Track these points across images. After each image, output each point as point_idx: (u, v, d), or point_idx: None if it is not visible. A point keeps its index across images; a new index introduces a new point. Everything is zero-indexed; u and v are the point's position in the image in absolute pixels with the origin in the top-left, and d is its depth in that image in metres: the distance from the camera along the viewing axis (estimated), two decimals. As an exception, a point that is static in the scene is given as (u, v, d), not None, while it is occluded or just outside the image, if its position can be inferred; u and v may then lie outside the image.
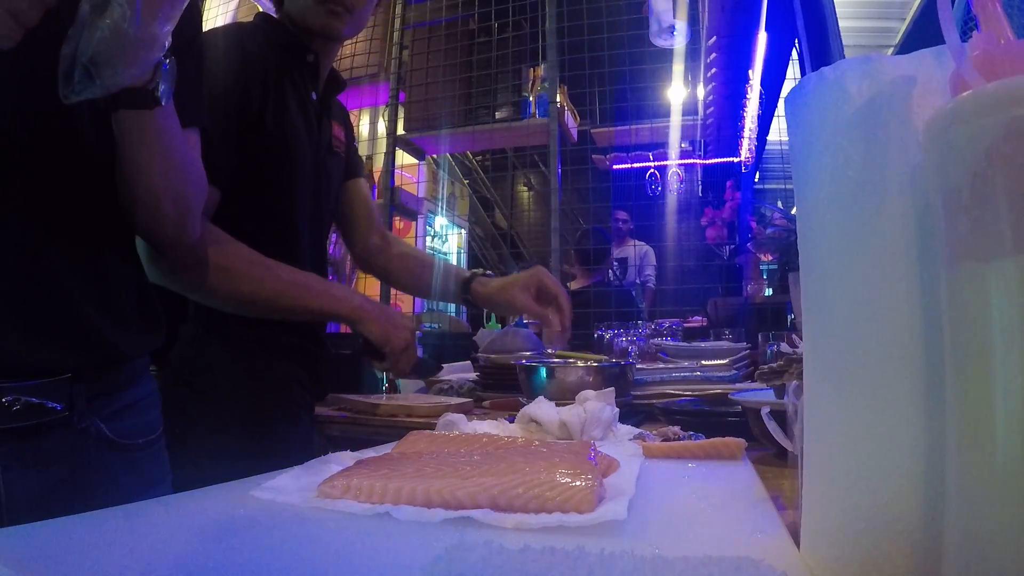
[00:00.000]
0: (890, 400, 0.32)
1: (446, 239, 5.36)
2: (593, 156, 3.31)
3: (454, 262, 5.23)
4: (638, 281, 3.22)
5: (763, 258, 2.72)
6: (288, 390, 1.08)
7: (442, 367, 1.26)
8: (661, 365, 1.39)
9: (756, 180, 3.92)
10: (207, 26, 1.20)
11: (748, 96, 3.30)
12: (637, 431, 0.79)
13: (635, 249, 3.43)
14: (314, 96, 1.10)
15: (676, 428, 0.79)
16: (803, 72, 2.59)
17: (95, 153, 0.69)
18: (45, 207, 0.66)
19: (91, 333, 0.68)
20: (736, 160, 3.55)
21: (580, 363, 1.21)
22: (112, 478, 0.72)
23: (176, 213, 0.74)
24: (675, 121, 3.35)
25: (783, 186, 3.82)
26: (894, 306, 0.32)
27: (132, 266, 0.76)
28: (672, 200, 3.55)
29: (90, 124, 0.68)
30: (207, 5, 3.65)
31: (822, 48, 2.30)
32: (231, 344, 1.02)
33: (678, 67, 3.28)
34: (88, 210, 0.70)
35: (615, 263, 3.28)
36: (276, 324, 1.04)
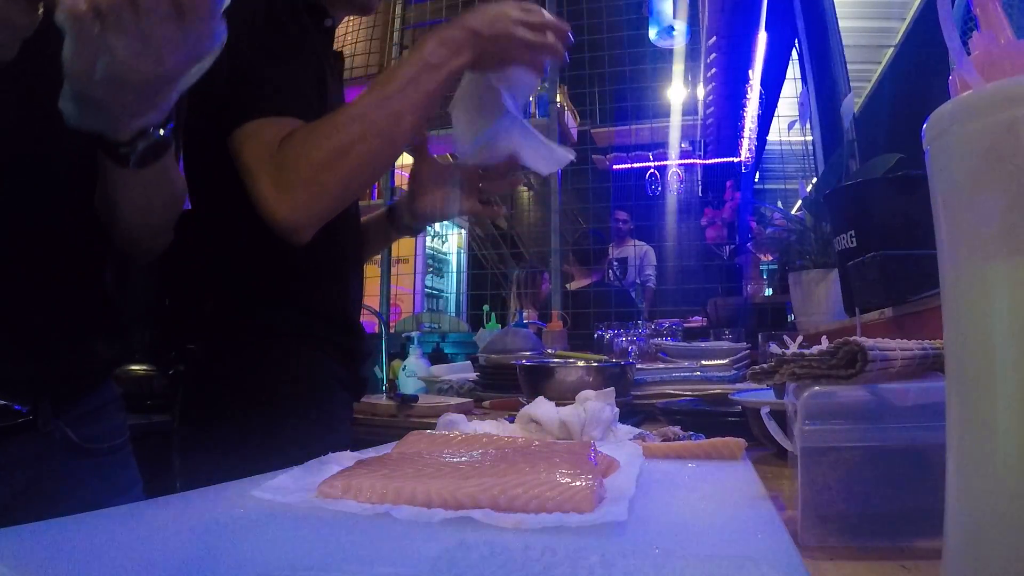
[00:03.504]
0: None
1: (446, 239, 5.36)
2: (593, 156, 3.32)
3: (454, 262, 5.23)
4: (638, 281, 3.22)
5: (763, 258, 2.72)
6: (325, 387, 0.97)
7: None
8: (661, 365, 1.39)
9: (756, 180, 3.92)
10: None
11: (748, 96, 3.30)
12: (637, 431, 0.79)
13: (635, 249, 3.43)
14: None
15: (676, 428, 0.79)
16: (803, 72, 2.59)
17: (74, 175, 0.67)
18: (12, 222, 0.64)
19: (52, 348, 0.67)
20: (736, 160, 3.55)
21: (580, 363, 1.21)
22: (79, 485, 0.70)
23: (149, 235, 0.75)
24: (675, 121, 3.36)
25: (783, 186, 3.81)
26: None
27: (98, 284, 0.74)
28: (672, 200, 3.55)
29: (75, 145, 0.65)
30: None
31: (822, 48, 2.30)
32: (259, 341, 0.93)
33: (678, 67, 3.28)
34: (55, 224, 0.68)
35: (615, 263, 3.28)
36: (311, 316, 0.95)
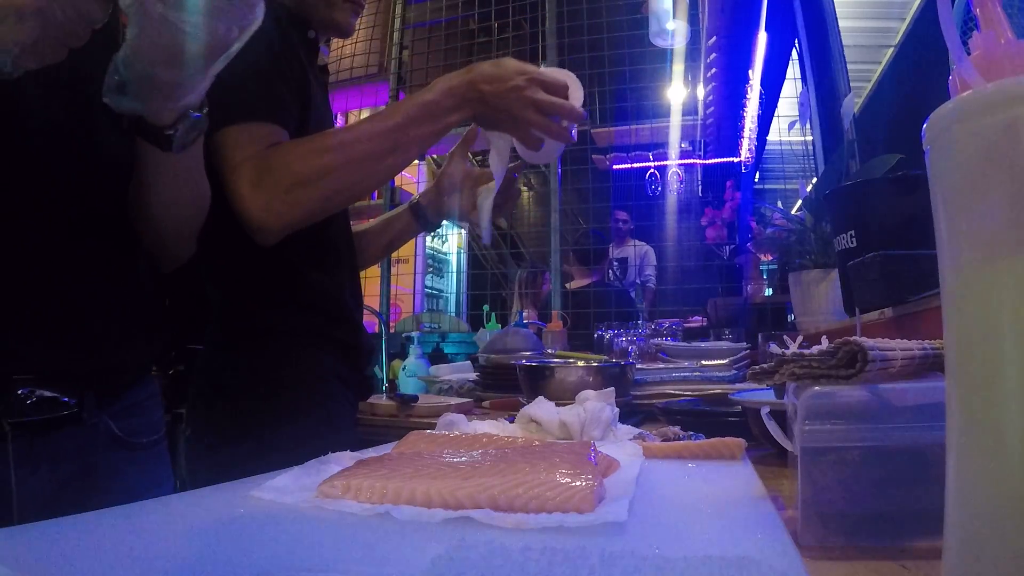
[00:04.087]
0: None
1: (446, 239, 5.35)
2: (593, 156, 3.32)
3: (454, 262, 5.22)
4: (638, 281, 3.22)
5: (763, 258, 2.72)
6: (327, 386, 0.98)
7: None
8: (661, 365, 1.39)
9: (756, 180, 3.91)
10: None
11: (748, 96, 3.30)
12: (637, 431, 0.79)
13: (635, 249, 3.43)
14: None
15: (676, 428, 0.79)
16: (803, 72, 2.59)
17: (113, 169, 0.70)
18: (61, 220, 0.67)
19: (97, 343, 0.69)
20: (736, 160, 3.55)
21: (580, 363, 1.21)
22: (120, 477, 0.72)
23: (175, 234, 0.77)
24: (675, 121, 3.35)
25: (783, 186, 3.81)
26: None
27: (136, 281, 0.76)
28: (672, 200, 3.55)
29: (114, 138, 0.68)
30: None
31: (822, 48, 2.30)
32: (260, 341, 0.94)
33: (678, 67, 3.28)
34: (100, 226, 0.70)
35: (615, 263, 3.28)
36: (310, 314, 0.97)
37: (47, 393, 0.64)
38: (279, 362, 0.95)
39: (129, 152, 0.69)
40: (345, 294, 1.04)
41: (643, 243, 3.52)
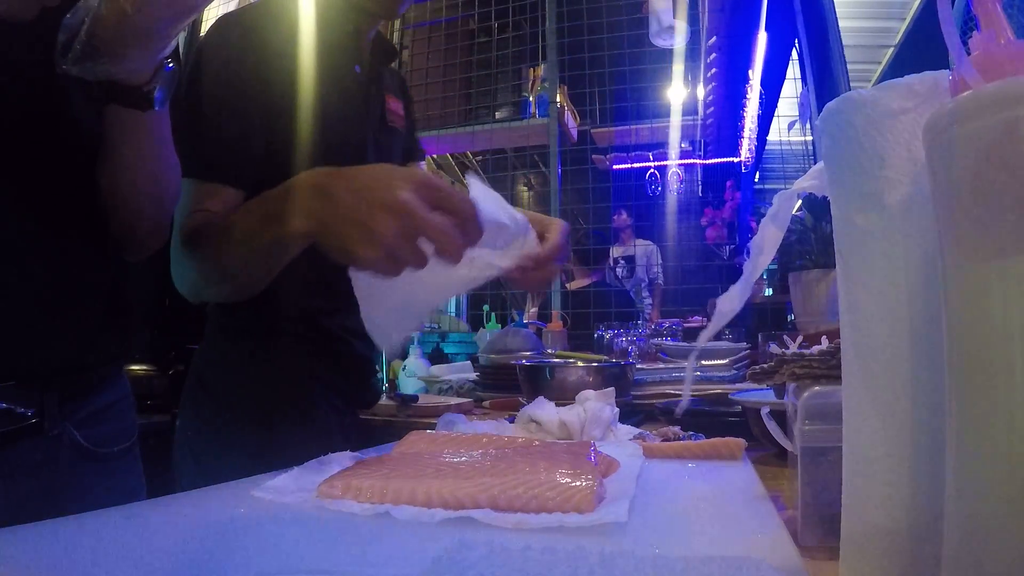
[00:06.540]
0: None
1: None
2: (593, 156, 3.32)
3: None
4: (646, 279, 3.23)
5: (763, 258, 2.72)
6: (307, 390, 0.98)
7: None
8: (661, 365, 1.39)
9: (756, 180, 3.92)
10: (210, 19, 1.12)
11: (748, 96, 3.30)
12: (637, 431, 0.79)
13: (640, 248, 3.44)
14: (357, 68, 1.01)
15: (676, 428, 0.79)
16: (803, 72, 2.60)
17: (82, 145, 0.65)
18: (19, 204, 0.62)
19: (59, 337, 0.64)
20: (736, 160, 3.56)
21: (580, 363, 1.21)
22: (86, 491, 0.67)
23: (154, 215, 0.72)
24: (675, 121, 3.36)
25: (783, 186, 3.81)
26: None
27: (105, 270, 0.72)
28: (672, 200, 3.55)
29: (83, 112, 0.65)
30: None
31: (822, 48, 2.30)
32: (244, 340, 0.95)
33: (678, 67, 3.28)
34: (63, 209, 0.66)
35: (621, 261, 3.29)
36: (289, 315, 0.95)
37: (1, 405, 0.59)
38: (269, 363, 0.94)
39: (97, 126, 0.64)
40: (351, 308, 1.04)
41: (648, 242, 3.53)
